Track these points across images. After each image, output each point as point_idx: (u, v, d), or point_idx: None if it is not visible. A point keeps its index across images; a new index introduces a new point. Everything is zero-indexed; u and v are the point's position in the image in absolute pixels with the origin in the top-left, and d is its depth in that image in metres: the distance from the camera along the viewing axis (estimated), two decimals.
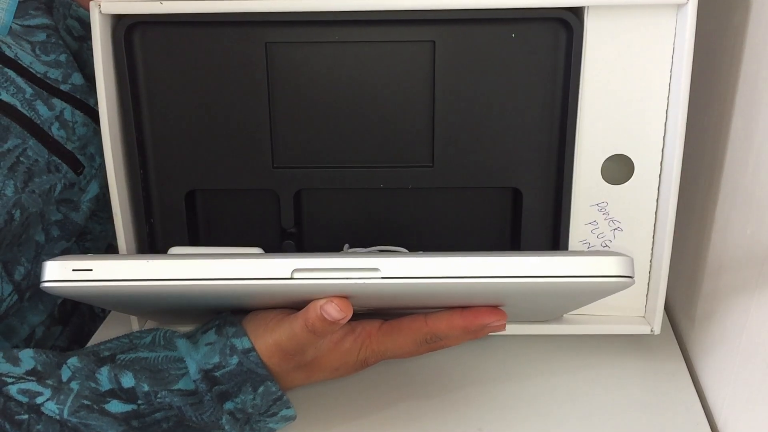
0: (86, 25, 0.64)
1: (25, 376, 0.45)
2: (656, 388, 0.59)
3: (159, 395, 0.46)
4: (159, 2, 0.52)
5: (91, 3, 0.51)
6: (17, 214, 0.54)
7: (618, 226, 0.55)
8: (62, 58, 0.61)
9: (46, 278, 0.43)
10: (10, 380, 0.45)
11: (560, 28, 0.53)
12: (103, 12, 0.52)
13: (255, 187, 0.56)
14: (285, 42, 0.54)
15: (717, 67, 0.61)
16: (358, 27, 0.53)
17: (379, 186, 0.55)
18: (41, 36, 0.61)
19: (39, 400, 0.44)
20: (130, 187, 0.56)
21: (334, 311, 0.44)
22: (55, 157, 0.57)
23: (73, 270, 0.43)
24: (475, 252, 0.43)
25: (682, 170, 0.63)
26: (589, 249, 0.56)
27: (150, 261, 0.43)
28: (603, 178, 0.54)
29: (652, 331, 0.53)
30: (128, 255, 0.55)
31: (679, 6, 0.52)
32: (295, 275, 0.43)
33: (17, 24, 0.60)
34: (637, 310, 0.56)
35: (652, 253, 0.55)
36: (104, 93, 0.52)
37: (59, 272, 0.43)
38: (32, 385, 0.45)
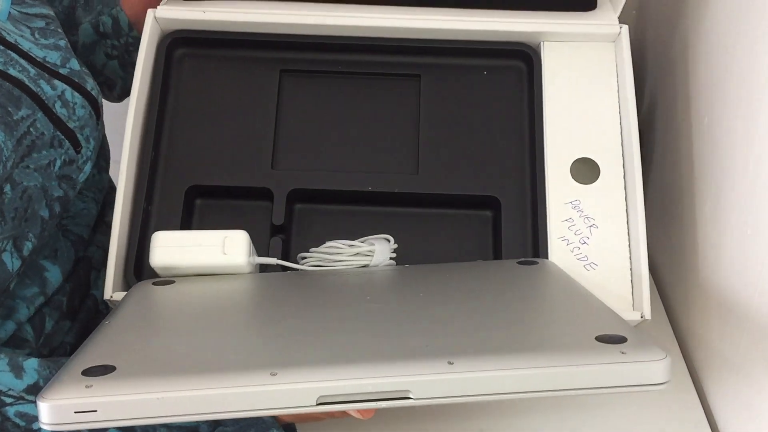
0: (117, 27, 0.70)
1: (24, 394, 0.45)
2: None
3: (159, 430, 0.46)
4: (201, 11, 0.63)
5: (149, 10, 0.62)
6: (8, 188, 0.54)
7: (593, 223, 0.58)
8: (61, 43, 0.63)
9: (45, 421, 0.38)
10: (9, 400, 0.45)
11: (522, 62, 0.64)
12: (157, 16, 0.63)
13: (253, 185, 0.60)
14: (296, 70, 0.64)
15: (717, 68, 0.63)
16: (358, 54, 0.63)
17: (368, 188, 0.59)
18: (40, 23, 0.63)
19: (35, 426, 0.44)
20: (138, 171, 0.60)
21: (357, 415, 0.44)
22: (59, 133, 0.59)
23: (76, 412, 0.38)
24: (505, 357, 0.39)
25: (681, 170, 0.64)
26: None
27: (161, 397, 0.38)
28: (574, 178, 0.59)
29: (642, 316, 0.53)
30: (135, 387, 0.41)
31: (615, 35, 0.64)
32: (320, 401, 0.39)
33: (15, 10, 0.62)
34: (626, 301, 0.56)
35: (629, 246, 0.57)
36: (138, 84, 0.61)
37: (60, 415, 0.38)
38: (30, 408, 0.44)
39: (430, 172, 0.60)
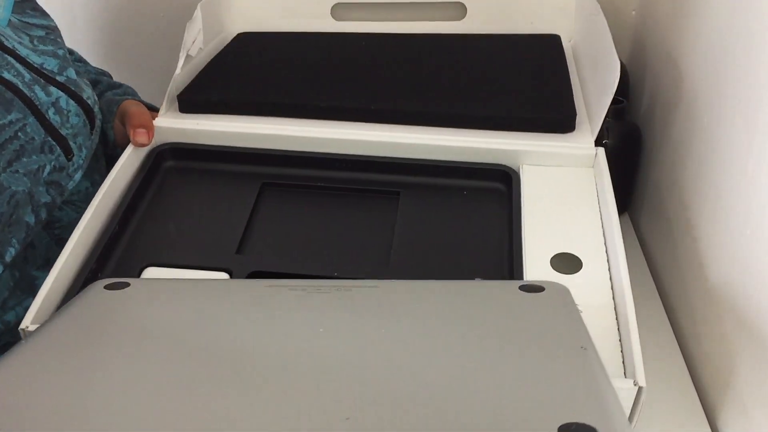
0: (105, 139, 0.71)
1: None
2: (656, 387, 0.59)
3: None
4: (195, 123, 0.68)
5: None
6: None
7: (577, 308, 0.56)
8: (59, 51, 0.64)
9: None
10: None
11: (502, 184, 0.66)
12: (157, 125, 0.68)
13: (213, 266, 0.59)
14: (277, 183, 0.67)
15: (717, 67, 0.63)
16: (339, 171, 0.67)
17: (334, 275, 0.57)
18: (39, 32, 0.64)
19: None
20: (97, 239, 0.60)
21: None
22: (50, 138, 0.59)
23: None
24: None
25: (681, 170, 0.63)
26: None
27: None
28: (554, 269, 0.58)
29: (635, 383, 0.49)
30: None
31: (592, 158, 0.66)
32: None
33: (16, 18, 0.62)
34: (617, 368, 0.54)
35: (619, 331, 0.55)
36: (117, 172, 0.63)
37: None
38: None
39: (402, 263, 0.60)
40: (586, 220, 0.61)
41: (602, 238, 0.60)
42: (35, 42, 0.62)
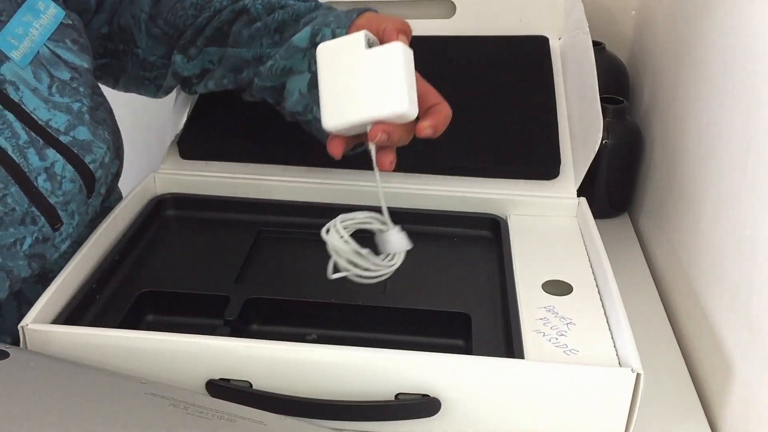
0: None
1: None
2: (656, 386, 0.59)
3: None
4: (198, 173, 0.72)
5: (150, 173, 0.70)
6: None
7: (570, 321, 0.58)
8: (75, 105, 0.58)
9: None
10: None
11: (490, 231, 0.70)
12: (157, 177, 0.72)
13: (210, 292, 0.60)
14: (274, 230, 0.70)
15: (716, 67, 0.63)
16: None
17: (330, 300, 0.59)
18: (65, 74, 0.58)
19: None
20: (97, 264, 0.62)
21: None
22: (34, 208, 0.54)
23: None
24: None
25: (680, 170, 0.63)
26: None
27: None
28: (546, 292, 0.61)
29: (633, 371, 0.49)
30: None
31: (575, 207, 0.70)
32: None
33: (48, 47, 0.57)
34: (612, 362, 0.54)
35: (612, 338, 0.55)
36: (115, 215, 0.66)
37: None
38: None
39: (398, 291, 0.62)
40: (573, 256, 0.64)
41: (590, 269, 0.62)
42: (53, 89, 0.57)
